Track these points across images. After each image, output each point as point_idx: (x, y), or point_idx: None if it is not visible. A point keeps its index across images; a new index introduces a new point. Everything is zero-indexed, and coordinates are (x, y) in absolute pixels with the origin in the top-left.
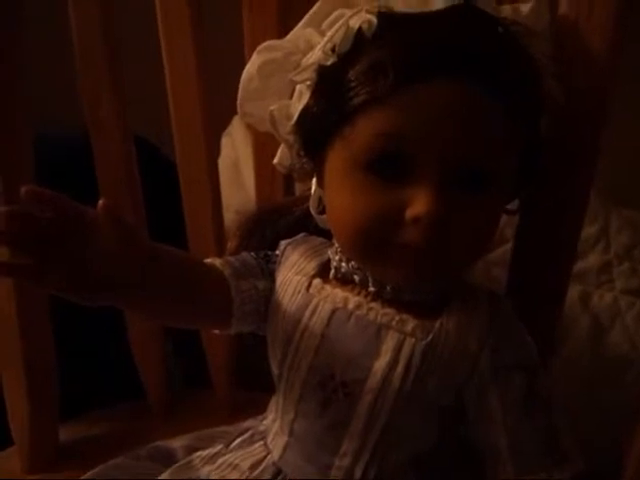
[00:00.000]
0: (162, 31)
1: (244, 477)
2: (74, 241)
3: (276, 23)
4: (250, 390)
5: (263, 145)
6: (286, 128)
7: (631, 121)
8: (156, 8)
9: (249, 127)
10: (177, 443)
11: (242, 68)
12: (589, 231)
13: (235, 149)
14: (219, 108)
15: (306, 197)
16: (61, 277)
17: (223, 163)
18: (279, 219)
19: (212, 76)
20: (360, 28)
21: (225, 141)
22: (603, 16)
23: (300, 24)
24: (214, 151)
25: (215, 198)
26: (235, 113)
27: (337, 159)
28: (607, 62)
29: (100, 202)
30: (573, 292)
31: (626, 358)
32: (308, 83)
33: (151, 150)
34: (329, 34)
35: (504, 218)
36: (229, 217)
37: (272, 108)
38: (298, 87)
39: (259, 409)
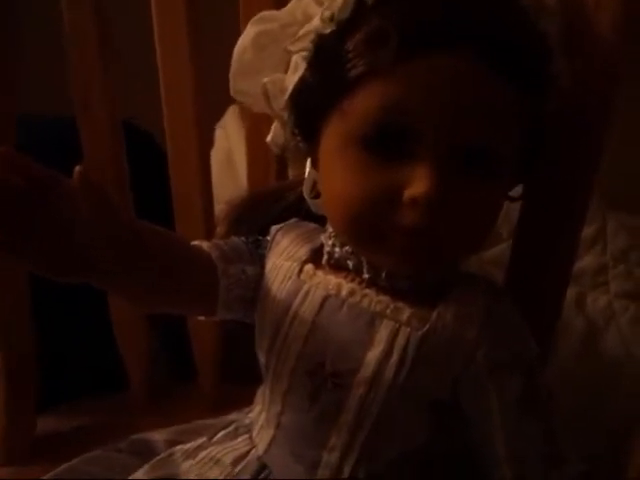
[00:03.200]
0: (155, 16)
1: (226, 472)
2: (49, 212)
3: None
4: (236, 382)
5: (256, 129)
6: (280, 103)
7: (627, 124)
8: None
9: (242, 112)
10: (159, 436)
11: None
12: (586, 232)
13: (228, 141)
14: (212, 99)
15: (299, 182)
16: (36, 251)
17: (216, 156)
18: (271, 205)
19: (205, 66)
20: None
21: (218, 133)
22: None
23: None
24: (206, 141)
25: (205, 190)
26: (229, 104)
27: (333, 136)
28: (615, 45)
29: (76, 168)
30: (569, 293)
31: (620, 362)
32: (304, 54)
33: (143, 136)
34: (328, 1)
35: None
36: (220, 209)
37: (265, 80)
38: (294, 58)
39: (245, 402)
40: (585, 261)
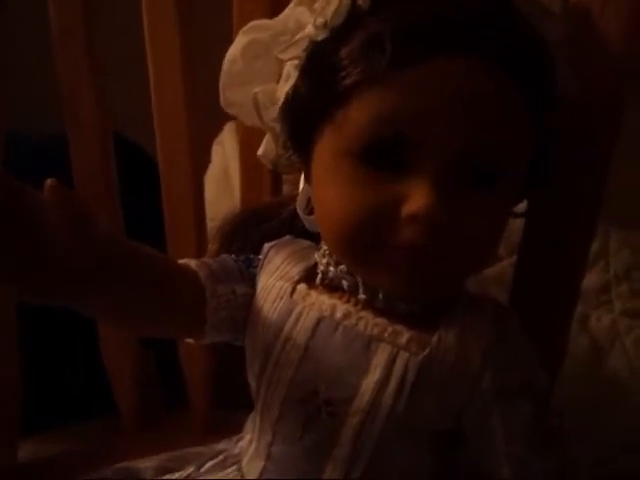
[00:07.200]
0: (147, 27)
1: None
2: (17, 227)
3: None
4: (229, 408)
5: (249, 144)
6: (271, 114)
7: (632, 137)
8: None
9: (237, 127)
10: (146, 464)
11: None
12: None
13: (226, 158)
14: (210, 115)
15: (293, 197)
16: (4, 266)
17: (212, 172)
18: (264, 221)
19: (201, 81)
20: (355, 0)
21: (216, 149)
22: (618, 10)
23: (291, 4)
24: (199, 156)
25: (198, 206)
26: (227, 120)
27: (326, 148)
28: (621, 51)
29: (47, 182)
30: None
31: (624, 382)
32: (296, 62)
33: (132, 149)
34: (321, 7)
35: None
36: (213, 226)
37: (256, 90)
38: (285, 68)
39: (237, 429)
40: (588, 279)
